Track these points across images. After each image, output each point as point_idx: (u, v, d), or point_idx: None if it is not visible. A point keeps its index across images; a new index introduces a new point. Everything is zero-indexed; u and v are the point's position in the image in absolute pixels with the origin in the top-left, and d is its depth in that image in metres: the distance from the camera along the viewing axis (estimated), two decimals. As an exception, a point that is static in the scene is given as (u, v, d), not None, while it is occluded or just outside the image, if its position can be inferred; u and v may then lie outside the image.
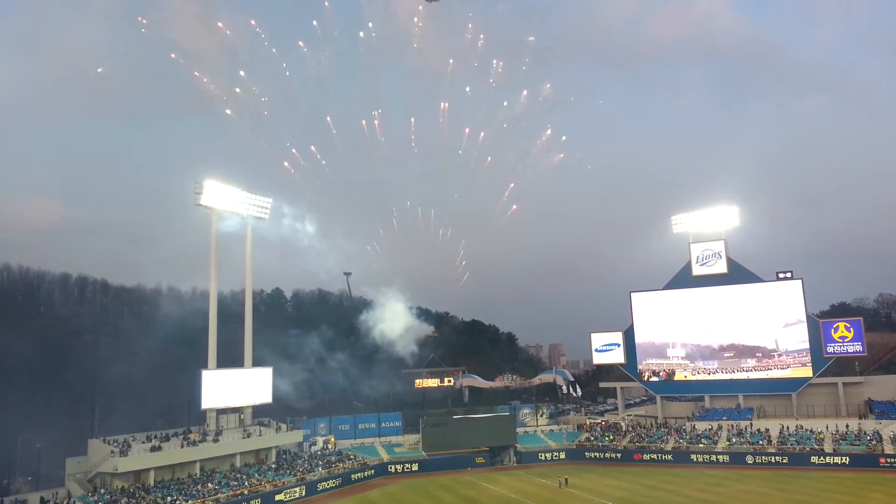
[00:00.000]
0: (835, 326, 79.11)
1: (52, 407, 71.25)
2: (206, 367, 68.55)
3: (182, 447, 62.69)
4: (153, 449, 60.44)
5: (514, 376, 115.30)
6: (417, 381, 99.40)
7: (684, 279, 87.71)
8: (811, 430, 73.84)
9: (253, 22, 74.37)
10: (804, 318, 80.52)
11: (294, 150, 79.87)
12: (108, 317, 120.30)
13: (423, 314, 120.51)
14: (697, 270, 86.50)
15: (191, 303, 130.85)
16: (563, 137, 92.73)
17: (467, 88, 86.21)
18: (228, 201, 72.99)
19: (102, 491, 54.68)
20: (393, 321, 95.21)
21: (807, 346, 79.79)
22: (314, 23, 75.75)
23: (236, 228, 76.79)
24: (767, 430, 75.59)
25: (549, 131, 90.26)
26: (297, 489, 64.25)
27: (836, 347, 78.05)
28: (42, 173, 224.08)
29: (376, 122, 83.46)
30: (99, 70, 73.68)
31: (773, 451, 71.71)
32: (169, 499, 55.36)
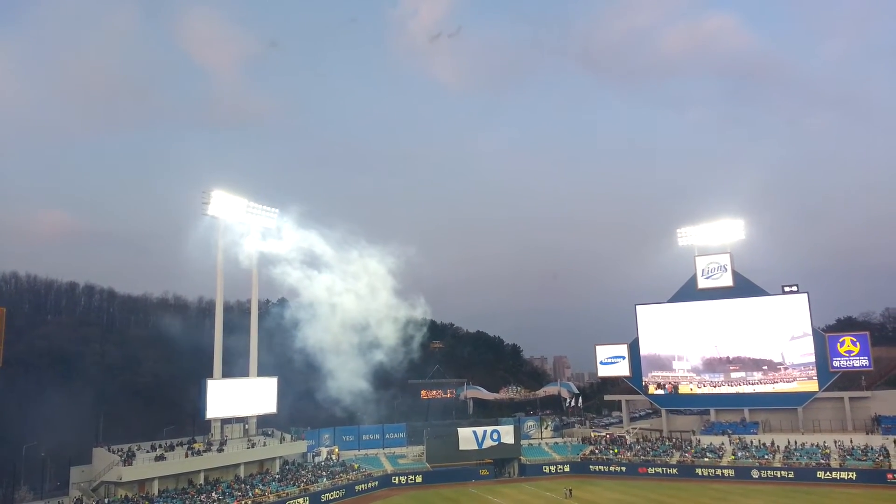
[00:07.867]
0: (841, 341, 78.82)
1: (57, 415, 71.40)
2: (211, 376, 68.65)
3: (186, 457, 62.59)
4: (158, 458, 60.42)
5: (519, 388, 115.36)
6: (423, 391, 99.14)
7: (690, 292, 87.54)
8: (817, 445, 73.47)
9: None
10: (810, 332, 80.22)
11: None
12: (114, 326, 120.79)
13: (429, 326, 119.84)
14: (703, 283, 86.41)
15: (196, 312, 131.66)
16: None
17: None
18: (235, 211, 73.05)
19: (107, 500, 54.72)
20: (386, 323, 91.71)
21: (813, 359, 79.43)
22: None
23: (243, 238, 76.63)
24: (774, 444, 75.28)
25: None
26: (301, 500, 64.13)
27: (842, 362, 77.71)
28: (50, 185, 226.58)
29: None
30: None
31: (779, 465, 71.34)
32: (173, 508, 55.43)
